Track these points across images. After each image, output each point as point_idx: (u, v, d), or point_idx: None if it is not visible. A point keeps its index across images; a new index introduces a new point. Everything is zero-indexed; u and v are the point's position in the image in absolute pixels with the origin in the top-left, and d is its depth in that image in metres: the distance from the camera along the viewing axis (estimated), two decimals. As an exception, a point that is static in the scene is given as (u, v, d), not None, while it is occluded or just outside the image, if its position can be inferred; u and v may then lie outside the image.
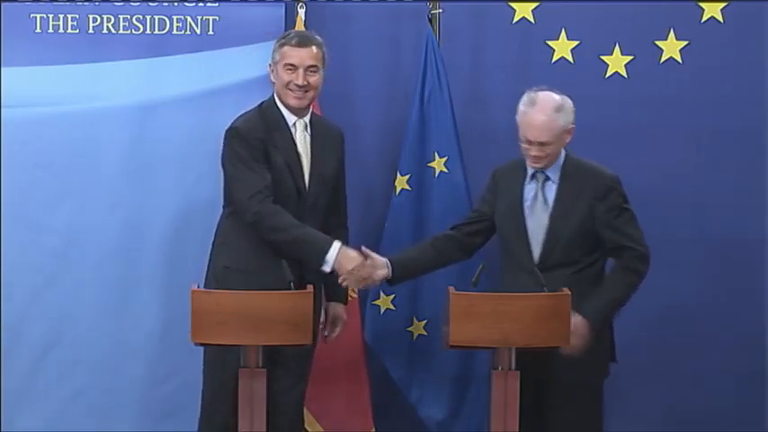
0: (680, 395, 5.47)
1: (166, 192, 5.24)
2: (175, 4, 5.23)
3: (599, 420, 4.73)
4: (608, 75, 5.44)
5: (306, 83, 4.68)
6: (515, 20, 5.43)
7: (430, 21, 5.31)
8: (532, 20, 5.43)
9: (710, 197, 5.44)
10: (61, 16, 5.20)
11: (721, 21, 5.41)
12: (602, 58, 5.43)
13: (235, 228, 4.71)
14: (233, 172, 4.66)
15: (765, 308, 5.46)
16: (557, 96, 4.64)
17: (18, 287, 5.20)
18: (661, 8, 5.39)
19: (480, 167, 5.14)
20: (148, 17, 5.22)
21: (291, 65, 4.68)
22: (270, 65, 4.76)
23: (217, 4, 5.24)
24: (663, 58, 5.43)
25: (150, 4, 5.23)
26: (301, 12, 5.23)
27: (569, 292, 4.40)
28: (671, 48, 5.42)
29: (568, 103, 4.65)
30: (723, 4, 5.39)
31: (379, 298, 5.33)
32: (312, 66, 4.69)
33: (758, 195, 5.43)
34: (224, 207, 4.79)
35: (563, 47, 5.43)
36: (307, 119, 4.76)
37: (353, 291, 5.06)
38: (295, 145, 4.73)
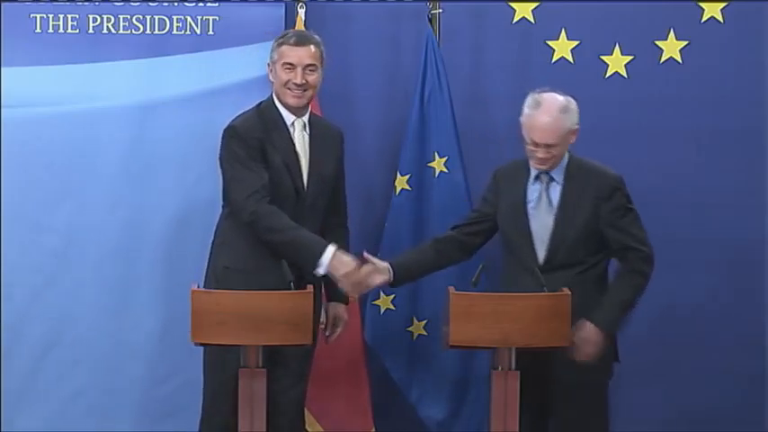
0: (680, 395, 5.47)
1: (166, 192, 5.23)
2: (175, 4, 5.23)
3: (605, 421, 4.72)
4: (608, 75, 5.44)
5: (304, 81, 4.68)
6: (515, 20, 5.43)
7: (430, 21, 5.31)
8: (532, 20, 5.43)
9: (711, 197, 5.44)
10: (61, 16, 5.20)
11: (721, 21, 5.40)
12: (602, 58, 5.43)
13: (234, 228, 4.70)
14: (230, 171, 4.66)
15: (765, 308, 5.45)
16: (561, 97, 4.63)
17: (18, 287, 5.20)
18: (661, 8, 5.39)
19: (480, 167, 5.14)
20: (148, 17, 5.22)
21: (290, 64, 4.68)
22: (268, 64, 4.76)
23: (217, 4, 5.24)
24: (663, 58, 5.42)
25: (150, 4, 5.23)
26: (301, 12, 5.23)
27: (569, 293, 4.40)
28: (671, 48, 5.42)
29: (573, 103, 4.64)
30: (723, 4, 5.39)
31: (379, 298, 5.33)
32: (310, 65, 4.69)
33: (758, 195, 5.43)
34: (223, 207, 4.78)
35: (563, 47, 5.43)
36: (305, 118, 4.76)
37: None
38: (293, 144, 4.72)
